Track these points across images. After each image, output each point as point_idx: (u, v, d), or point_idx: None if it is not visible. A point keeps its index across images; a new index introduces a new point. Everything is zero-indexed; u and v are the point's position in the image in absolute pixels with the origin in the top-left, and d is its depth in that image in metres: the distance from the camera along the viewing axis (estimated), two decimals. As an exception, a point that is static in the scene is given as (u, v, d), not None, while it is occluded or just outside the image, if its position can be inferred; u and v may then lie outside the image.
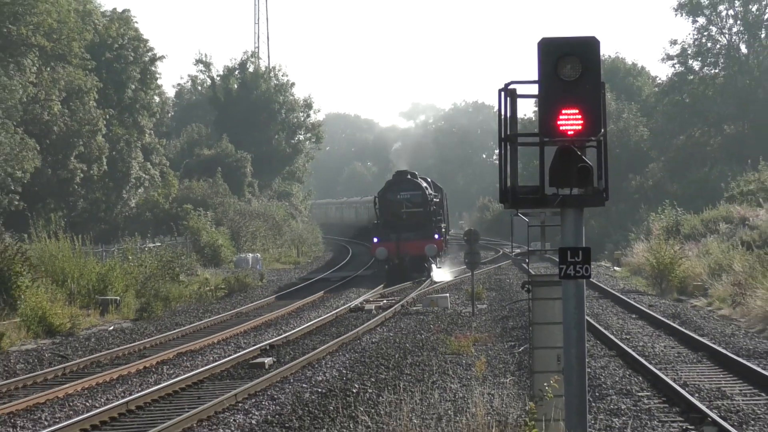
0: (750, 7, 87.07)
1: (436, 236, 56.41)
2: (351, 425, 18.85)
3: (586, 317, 14.32)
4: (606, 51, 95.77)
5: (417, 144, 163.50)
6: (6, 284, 35.38)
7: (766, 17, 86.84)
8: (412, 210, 57.52)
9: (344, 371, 25.84)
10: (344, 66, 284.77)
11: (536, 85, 11.81)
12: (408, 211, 57.35)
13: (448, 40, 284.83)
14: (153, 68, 74.79)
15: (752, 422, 18.78)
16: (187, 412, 20.56)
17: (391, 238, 55.92)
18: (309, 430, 19.04)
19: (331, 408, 20.65)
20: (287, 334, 33.61)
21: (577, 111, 11.60)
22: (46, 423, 20.46)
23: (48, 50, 59.31)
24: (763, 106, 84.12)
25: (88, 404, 22.34)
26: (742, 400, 20.94)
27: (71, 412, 21.47)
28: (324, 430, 18.94)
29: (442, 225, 61.11)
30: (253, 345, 31.28)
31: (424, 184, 60.06)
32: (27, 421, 20.55)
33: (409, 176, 59.81)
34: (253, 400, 22.28)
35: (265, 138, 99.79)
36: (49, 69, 60.26)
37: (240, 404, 21.84)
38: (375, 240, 56.76)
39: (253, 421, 19.96)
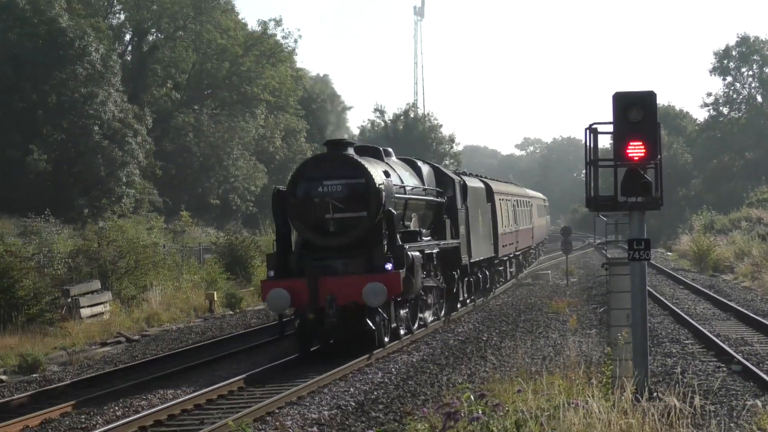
0: (764, 69, 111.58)
1: (389, 266, 25.29)
2: (482, 363, 23.33)
3: (647, 287, 17.05)
4: (660, 100, 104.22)
5: (527, 168, 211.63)
6: (244, 264, 47.95)
7: None
8: (346, 216, 25.94)
9: (477, 325, 31.85)
10: (477, 107, 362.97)
11: (611, 125, 15.46)
12: (337, 217, 25.89)
13: (550, 90, 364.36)
14: (344, 115, 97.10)
15: (766, 362, 22.44)
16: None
17: (300, 271, 25.80)
18: (452, 366, 23.38)
19: (468, 350, 25.91)
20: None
21: (640, 143, 15.19)
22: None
23: (272, 103, 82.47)
24: None
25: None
26: (759, 346, 25.34)
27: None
28: (462, 365, 23.32)
29: (448, 242, 31.82)
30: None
31: (378, 169, 26.77)
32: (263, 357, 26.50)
33: (349, 151, 26.96)
34: (414, 345, 27.66)
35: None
36: (272, 116, 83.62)
37: (404, 348, 27.05)
38: (268, 275, 26.27)
39: (414, 360, 24.91)
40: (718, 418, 12.04)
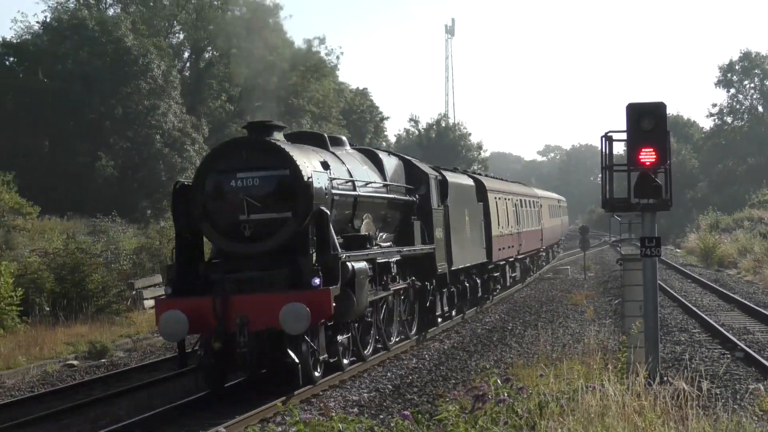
0: (765, 82, 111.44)
1: (316, 281, 17.90)
2: (507, 349, 23.17)
3: (658, 281, 16.94)
4: (670, 111, 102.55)
5: (548, 172, 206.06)
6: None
7: None
8: (266, 217, 18.56)
9: (503, 315, 31.84)
10: (502, 116, 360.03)
11: (625, 133, 15.23)
12: (255, 218, 18.52)
13: (569, 101, 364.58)
14: (382, 125, 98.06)
15: (767, 350, 22.23)
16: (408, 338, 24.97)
17: (204, 288, 18.61)
18: (480, 353, 23.23)
19: (494, 338, 25.77)
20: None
21: (652, 150, 15.00)
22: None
23: (316, 114, 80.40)
24: None
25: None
26: (761, 335, 25.12)
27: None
28: (489, 352, 23.18)
29: (417, 245, 24.86)
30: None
31: (312, 158, 19.56)
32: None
33: (275, 136, 19.47)
34: (446, 333, 27.73)
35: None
36: (316, 125, 77.60)
37: (437, 336, 27.02)
38: (166, 291, 19.67)
39: (446, 347, 24.81)
40: (723, 401, 11.98)
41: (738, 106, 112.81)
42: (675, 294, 36.26)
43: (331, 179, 19.40)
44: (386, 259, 22.00)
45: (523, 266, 45.74)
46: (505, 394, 10.92)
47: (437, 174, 27.98)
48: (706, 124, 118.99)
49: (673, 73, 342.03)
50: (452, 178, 30.10)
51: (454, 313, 30.03)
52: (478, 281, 32.85)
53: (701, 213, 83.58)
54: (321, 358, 18.33)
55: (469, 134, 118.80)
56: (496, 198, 36.88)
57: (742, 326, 26.91)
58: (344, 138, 24.00)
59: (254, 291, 18.05)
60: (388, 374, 20.62)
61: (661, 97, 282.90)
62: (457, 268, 28.98)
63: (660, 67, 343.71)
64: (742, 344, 22.60)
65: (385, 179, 23.76)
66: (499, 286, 37.78)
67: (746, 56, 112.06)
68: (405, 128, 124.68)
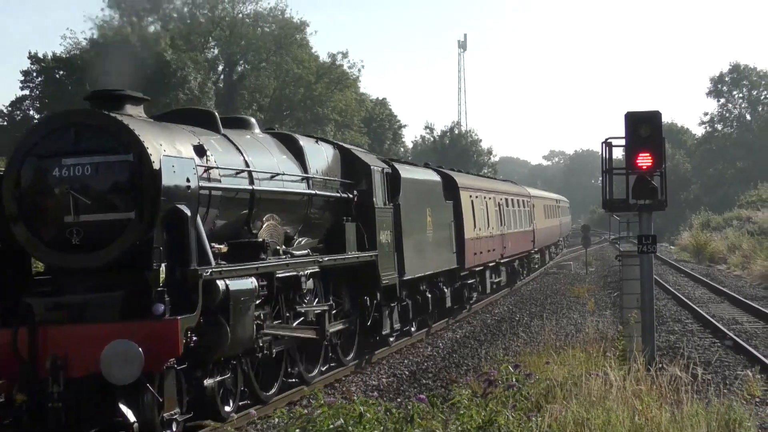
0: (752, 92, 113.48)
1: (159, 308, 11.16)
2: (514, 339, 22.81)
3: (654, 275, 16.82)
4: (665, 119, 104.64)
5: (552, 176, 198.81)
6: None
7: (762, 97, 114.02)
8: (99, 219, 11.99)
9: (511, 307, 31.67)
10: (510, 123, 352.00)
11: (624, 139, 15.19)
12: (85, 220, 11.94)
13: (572, 109, 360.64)
14: (400, 132, 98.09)
15: (754, 339, 22.29)
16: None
17: (17, 317, 11.57)
18: (490, 341, 23.11)
19: (503, 328, 25.65)
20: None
21: (648, 155, 14.94)
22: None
23: (339, 122, 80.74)
24: (759, 151, 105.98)
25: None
26: (749, 325, 25.09)
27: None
28: (498, 341, 23.07)
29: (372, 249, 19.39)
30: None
31: (174, 140, 12.99)
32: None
33: (126, 109, 12.72)
34: (458, 324, 27.67)
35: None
36: (339, 133, 78.90)
37: (450, 326, 26.90)
38: None
39: (458, 336, 24.85)
40: (714, 386, 11.97)
41: (728, 115, 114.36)
42: (669, 287, 36.21)
43: (208, 168, 13.34)
44: (293, 273, 15.34)
45: (510, 269, 38.97)
46: (514, 380, 10.93)
47: (385, 166, 21.33)
48: (698, 131, 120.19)
49: (668, 83, 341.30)
50: (408, 172, 23.70)
51: (414, 328, 23.75)
52: (446, 290, 26.39)
53: (694, 213, 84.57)
54: (169, 414, 11.71)
55: (480, 140, 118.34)
56: (471, 196, 30.32)
57: (732, 317, 26.87)
58: (253, 120, 17.35)
59: (76, 321, 11.76)
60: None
61: (657, 106, 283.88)
62: (414, 277, 22.59)
63: (656, 78, 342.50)
64: (731, 334, 22.58)
65: (303, 170, 17.15)
66: (476, 294, 31.22)
67: (735, 68, 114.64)
68: (421, 135, 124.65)
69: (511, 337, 23.48)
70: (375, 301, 19.82)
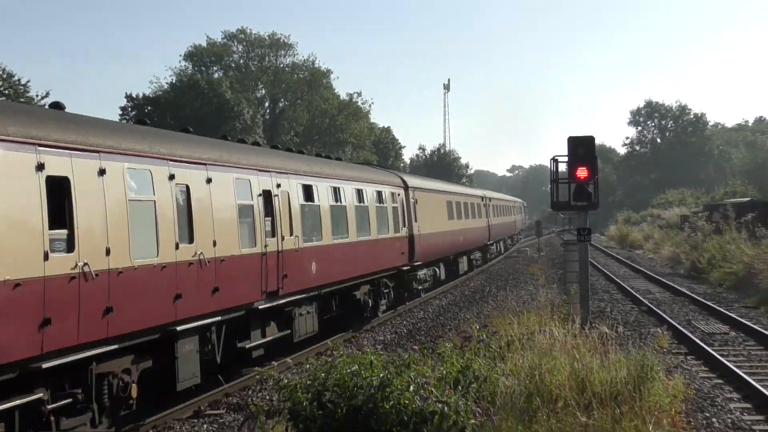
0: (662, 122, 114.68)
1: None
2: (485, 305, 23.06)
3: (589, 258, 16.92)
4: (598, 141, 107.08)
5: (513, 184, 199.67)
6: None
7: (669, 126, 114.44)
8: None
9: (483, 282, 31.84)
10: (482, 143, 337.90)
11: (567, 157, 15.20)
12: None
13: (530, 133, 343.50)
14: (400, 152, 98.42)
15: (663, 305, 22.75)
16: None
17: None
18: (467, 306, 23.57)
19: (476, 297, 26.00)
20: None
21: (585, 168, 15.06)
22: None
23: (355, 144, 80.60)
24: (667, 167, 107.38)
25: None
26: (659, 294, 25.63)
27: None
28: (473, 306, 23.39)
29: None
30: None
31: None
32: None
33: None
34: (443, 293, 28.28)
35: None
36: (355, 152, 79.90)
37: (439, 296, 27.32)
38: None
39: (443, 303, 25.06)
40: (632, 340, 11.96)
41: (643, 139, 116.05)
42: (600, 267, 36.43)
43: None
44: None
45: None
46: (484, 336, 10.92)
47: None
48: (622, 150, 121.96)
49: (599, 115, 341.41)
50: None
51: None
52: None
53: (618, 212, 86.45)
54: None
55: (460, 158, 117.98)
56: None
57: (646, 288, 26.99)
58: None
59: None
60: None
61: (591, 131, 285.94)
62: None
63: (590, 111, 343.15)
64: (646, 301, 22.66)
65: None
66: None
67: (649, 104, 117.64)
68: (416, 153, 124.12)
69: (482, 304, 23.46)
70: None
